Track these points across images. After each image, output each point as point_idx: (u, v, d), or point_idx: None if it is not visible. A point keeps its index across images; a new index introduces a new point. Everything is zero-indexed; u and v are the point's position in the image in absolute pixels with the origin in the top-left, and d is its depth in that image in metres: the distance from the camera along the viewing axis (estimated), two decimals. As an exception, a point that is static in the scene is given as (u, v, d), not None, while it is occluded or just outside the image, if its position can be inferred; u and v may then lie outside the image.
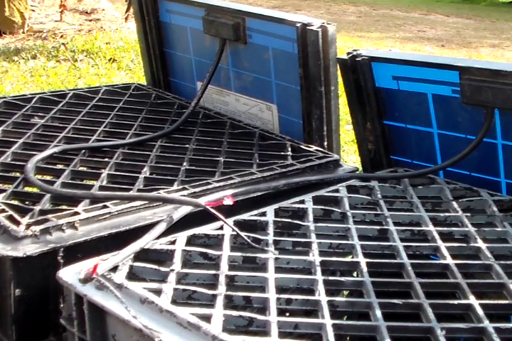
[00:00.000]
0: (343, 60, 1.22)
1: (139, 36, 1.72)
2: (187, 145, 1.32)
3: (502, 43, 7.24)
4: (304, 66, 1.30)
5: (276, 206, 1.02)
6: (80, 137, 1.34)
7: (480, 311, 0.79)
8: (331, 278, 0.85)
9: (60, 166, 1.21)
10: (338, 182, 1.14)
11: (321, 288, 0.82)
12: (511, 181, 1.14)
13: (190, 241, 0.91)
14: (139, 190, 1.09)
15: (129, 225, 0.97)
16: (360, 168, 1.36)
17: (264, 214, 1.00)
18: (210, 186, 1.09)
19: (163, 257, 0.87)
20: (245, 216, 0.98)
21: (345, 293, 0.95)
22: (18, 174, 1.16)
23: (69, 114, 1.47)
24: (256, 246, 0.90)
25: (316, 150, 1.30)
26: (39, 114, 1.46)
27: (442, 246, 0.94)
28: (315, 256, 0.89)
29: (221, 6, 1.45)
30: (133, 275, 0.83)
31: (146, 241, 0.87)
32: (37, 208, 1.00)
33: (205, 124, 1.45)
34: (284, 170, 1.18)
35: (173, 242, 0.90)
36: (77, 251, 0.91)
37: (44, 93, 1.57)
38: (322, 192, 1.09)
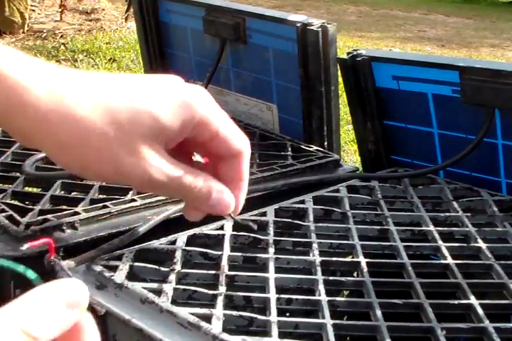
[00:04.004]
0: (343, 60, 1.22)
1: (139, 36, 1.72)
2: (187, 145, 1.32)
3: (502, 43, 7.25)
4: (304, 66, 1.30)
5: (276, 206, 1.02)
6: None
7: (480, 311, 0.79)
8: (331, 278, 0.85)
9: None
10: (338, 182, 1.14)
11: (321, 288, 0.82)
12: (511, 181, 1.14)
13: (190, 241, 0.91)
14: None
15: (129, 225, 0.97)
16: (361, 168, 1.36)
17: (264, 214, 1.00)
18: (210, 186, 1.09)
19: (163, 257, 0.87)
20: (245, 216, 0.98)
21: (346, 293, 0.95)
22: (18, 174, 1.16)
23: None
24: (256, 235, 0.90)
25: (317, 150, 1.30)
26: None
27: (443, 246, 0.94)
28: (315, 256, 0.89)
29: (221, 6, 1.44)
30: (133, 275, 0.83)
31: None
32: (37, 208, 1.00)
33: (205, 124, 1.45)
34: (284, 170, 1.18)
35: (173, 242, 0.90)
36: (77, 251, 0.91)
37: (44, 93, 1.57)
38: (322, 192, 1.09)
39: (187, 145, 0.58)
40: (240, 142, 0.57)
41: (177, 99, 0.53)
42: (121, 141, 0.50)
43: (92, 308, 0.43)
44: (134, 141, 0.51)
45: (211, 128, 0.55)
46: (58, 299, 0.36)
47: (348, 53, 1.21)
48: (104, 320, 0.79)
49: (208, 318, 0.73)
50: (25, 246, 0.42)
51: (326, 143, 1.35)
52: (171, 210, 0.99)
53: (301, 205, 1.03)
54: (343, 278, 0.85)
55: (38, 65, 0.49)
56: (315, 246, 0.92)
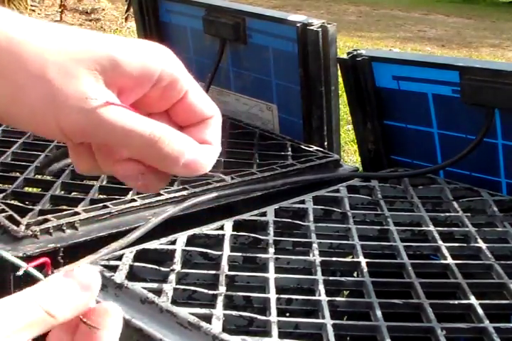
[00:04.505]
0: (343, 59, 1.22)
1: (139, 36, 1.72)
2: (187, 145, 1.31)
3: (502, 43, 7.25)
4: (304, 66, 1.30)
5: (276, 206, 1.02)
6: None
7: (480, 311, 0.79)
8: (331, 278, 0.85)
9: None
10: (338, 182, 1.14)
11: (321, 288, 0.82)
12: (511, 181, 1.14)
13: (190, 241, 0.91)
14: (139, 190, 1.09)
15: (129, 225, 0.97)
16: (361, 168, 1.36)
17: (264, 214, 1.00)
18: (210, 186, 1.09)
19: (163, 257, 0.87)
20: (245, 216, 0.98)
21: (346, 293, 0.95)
22: (18, 174, 1.16)
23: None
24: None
25: (317, 150, 1.30)
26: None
27: (443, 246, 0.94)
28: (315, 256, 0.89)
29: (221, 6, 1.44)
30: (133, 275, 0.83)
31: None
32: (37, 208, 1.00)
33: (205, 124, 1.45)
34: (284, 170, 1.18)
35: (173, 242, 0.90)
36: (77, 251, 0.91)
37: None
38: (322, 192, 1.09)
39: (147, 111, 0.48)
40: (212, 106, 0.49)
41: (141, 45, 0.46)
42: (60, 65, 0.43)
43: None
44: (76, 68, 0.43)
45: (180, 87, 0.47)
46: (73, 283, 0.40)
47: (348, 53, 1.21)
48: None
49: (208, 318, 0.73)
50: (22, 271, 0.41)
51: (326, 143, 1.35)
52: (171, 211, 0.99)
53: (301, 205, 1.03)
54: (343, 278, 0.85)
55: None
56: (315, 246, 0.92)
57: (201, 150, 0.46)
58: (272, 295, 0.80)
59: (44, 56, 0.43)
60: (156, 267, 0.83)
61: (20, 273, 0.41)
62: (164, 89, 0.46)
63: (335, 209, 1.04)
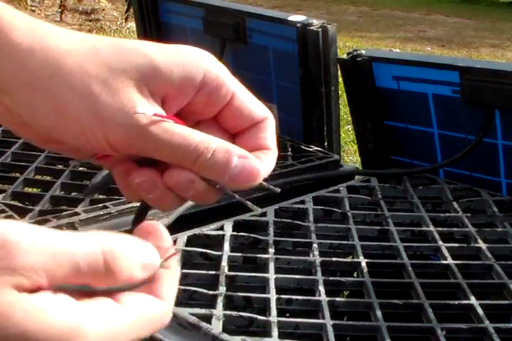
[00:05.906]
0: (343, 60, 1.22)
1: (138, 36, 1.72)
2: (187, 146, 1.31)
3: (502, 43, 7.25)
4: (304, 66, 1.29)
5: (276, 206, 1.02)
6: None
7: (480, 311, 0.79)
8: (331, 278, 0.85)
9: (60, 166, 1.21)
10: (338, 183, 1.14)
11: (321, 288, 0.82)
12: (511, 181, 1.14)
13: (190, 241, 0.91)
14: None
15: (129, 226, 0.97)
16: (361, 169, 1.36)
17: (264, 214, 1.00)
18: (210, 186, 1.09)
19: (163, 257, 0.87)
20: (245, 216, 0.98)
21: (346, 293, 0.95)
22: (18, 174, 1.16)
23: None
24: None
25: (317, 150, 1.30)
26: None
27: (443, 246, 0.94)
28: (315, 257, 0.89)
29: (221, 6, 1.44)
30: (133, 275, 0.82)
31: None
32: (37, 208, 1.00)
33: (205, 124, 1.45)
34: (284, 170, 1.18)
35: (173, 242, 0.89)
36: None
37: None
38: (322, 193, 1.09)
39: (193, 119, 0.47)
40: (261, 108, 0.48)
41: (181, 50, 0.45)
42: (103, 79, 0.42)
43: None
44: (119, 80, 0.42)
45: (225, 91, 0.46)
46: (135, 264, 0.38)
47: (348, 53, 1.21)
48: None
49: (208, 318, 0.73)
50: None
51: (326, 144, 1.35)
52: (177, 212, 0.99)
53: (301, 205, 1.03)
54: (343, 279, 0.85)
55: (19, 13, 0.46)
56: (315, 246, 0.92)
57: (249, 157, 0.44)
58: (272, 295, 0.80)
59: (84, 69, 0.42)
60: (156, 267, 0.83)
61: None
62: (209, 94, 0.45)
63: (335, 209, 1.04)
